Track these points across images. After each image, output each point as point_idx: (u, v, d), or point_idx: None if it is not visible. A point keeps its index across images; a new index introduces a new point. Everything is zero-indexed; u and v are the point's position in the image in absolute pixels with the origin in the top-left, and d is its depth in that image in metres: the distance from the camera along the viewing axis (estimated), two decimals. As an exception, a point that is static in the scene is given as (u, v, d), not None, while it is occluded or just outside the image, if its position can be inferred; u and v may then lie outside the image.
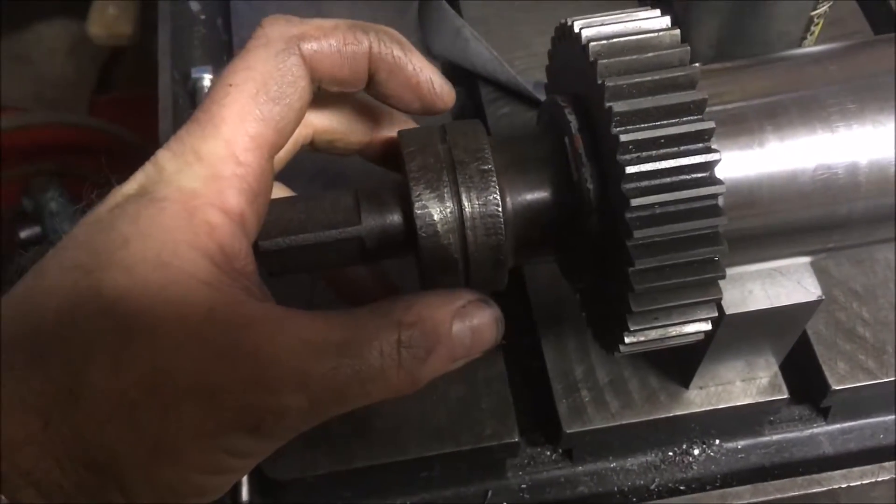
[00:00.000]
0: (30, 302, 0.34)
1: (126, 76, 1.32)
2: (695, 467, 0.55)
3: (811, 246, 0.43)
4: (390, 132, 0.45)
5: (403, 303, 0.37)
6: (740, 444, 0.55)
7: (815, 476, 0.51)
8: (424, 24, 0.68)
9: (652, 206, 0.36)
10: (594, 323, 0.45)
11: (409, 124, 0.45)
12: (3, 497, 0.31)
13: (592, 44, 0.38)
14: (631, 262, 0.36)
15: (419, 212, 0.38)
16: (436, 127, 0.41)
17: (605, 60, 0.37)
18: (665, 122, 0.36)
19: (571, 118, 0.39)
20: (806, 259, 0.45)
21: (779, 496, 0.51)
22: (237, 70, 0.37)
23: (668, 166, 0.36)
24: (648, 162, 0.36)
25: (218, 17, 0.74)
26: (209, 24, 0.74)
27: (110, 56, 1.30)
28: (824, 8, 0.55)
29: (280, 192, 0.43)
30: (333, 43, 0.38)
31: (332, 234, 0.39)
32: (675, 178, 0.36)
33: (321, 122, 0.43)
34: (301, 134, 0.42)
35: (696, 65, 0.37)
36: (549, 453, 0.55)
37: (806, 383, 0.54)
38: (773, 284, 0.45)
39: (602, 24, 0.39)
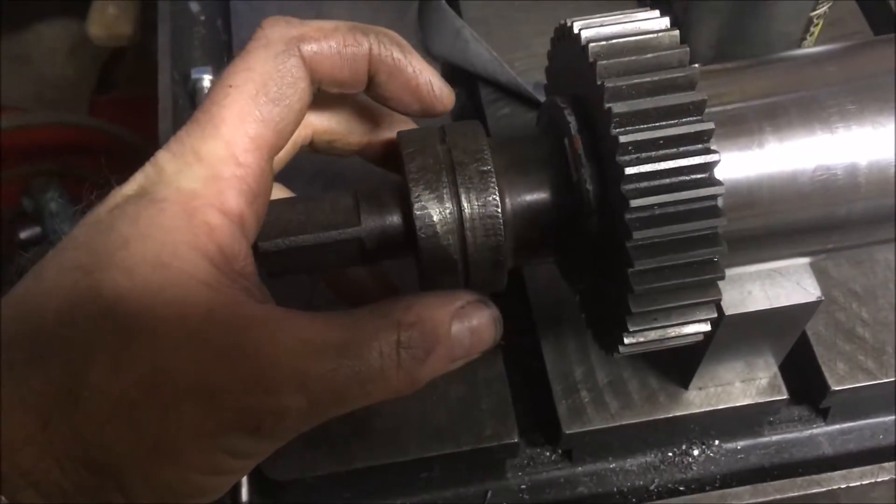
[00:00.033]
0: (30, 302, 0.34)
1: (126, 76, 1.31)
2: (694, 468, 0.55)
3: (810, 247, 0.43)
4: (390, 133, 0.45)
5: (403, 303, 0.37)
6: (740, 444, 0.55)
7: (815, 477, 0.51)
8: (424, 25, 0.68)
9: (651, 206, 0.36)
10: (594, 324, 0.45)
11: (409, 125, 0.45)
12: (2, 497, 0.31)
13: (592, 45, 0.38)
14: (630, 262, 0.36)
15: (418, 213, 0.38)
16: (435, 128, 0.41)
17: (604, 61, 0.37)
18: (664, 123, 0.36)
19: (571, 119, 0.39)
20: (805, 260, 0.45)
21: (778, 497, 0.51)
22: (237, 71, 0.37)
23: (667, 167, 0.36)
24: (648, 163, 0.36)
25: (218, 18, 0.74)
26: (209, 24, 0.74)
27: (110, 56, 1.30)
28: (824, 8, 0.55)
29: (279, 192, 0.43)
30: (333, 44, 0.39)
31: (332, 235, 0.39)
32: (674, 179, 0.36)
33: (320, 123, 0.43)
34: (300, 135, 0.42)
35: (696, 66, 0.37)
36: (548, 454, 0.55)
37: (805, 384, 0.54)
38: (772, 285, 0.45)
39: (601, 25, 0.39)
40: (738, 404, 0.52)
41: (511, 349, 0.54)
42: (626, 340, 0.39)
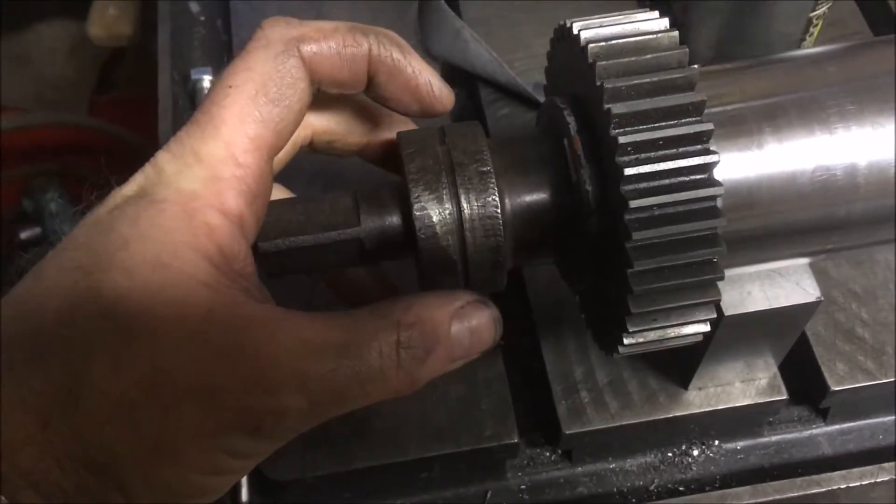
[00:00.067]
0: (30, 303, 0.34)
1: (126, 77, 1.31)
2: (694, 468, 0.55)
3: (810, 247, 0.43)
4: (389, 133, 0.45)
5: (402, 304, 0.37)
6: (739, 444, 0.55)
7: (815, 477, 0.51)
8: (424, 26, 0.68)
9: (651, 207, 0.36)
10: (593, 324, 0.45)
11: (409, 125, 0.45)
12: (2, 497, 0.31)
13: (591, 45, 0.38)
14: (630, 263, 0.36)
15: (418, 213, 0.38)
16: (435, 128, 0.41)
17: (603, 62, 0.37)
18: (664, 123, 0.36)
19: (570, 120, 0.39)
20: (805, 260, 0.45)
21: (778, 497, 0.51)
22: (237, 71, 0.37)
23: (666, 168, 0.36)
24: (647, 164, 0.36)
25: (217, 18, 0.74)
26: (209, 24, 0.74)
27: (110, 56, 1.30)
28: (823, 9, 0.55)
29: (279, 193, 0.43)
30: (333, 45, 0.39)
31: (332, 235, 0.39)
32: (673, 180, 0.36)
33: (320, 123, 0.43)
34: (300, 135, 0.42)
35: (695, 66, 0.37)
36: (548, 454, 0.55)
37: (805, 384, 0.54)
38: (771, 286, 0.45)
39: (601, 26, 0.39)
40: (737, 404, 0.52)
41: (511, 349, 0.54)
42: (625, 341, 0.39)
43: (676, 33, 0.38)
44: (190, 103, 0.66)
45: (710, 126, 0.36)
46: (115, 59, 1.31)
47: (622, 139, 0.36)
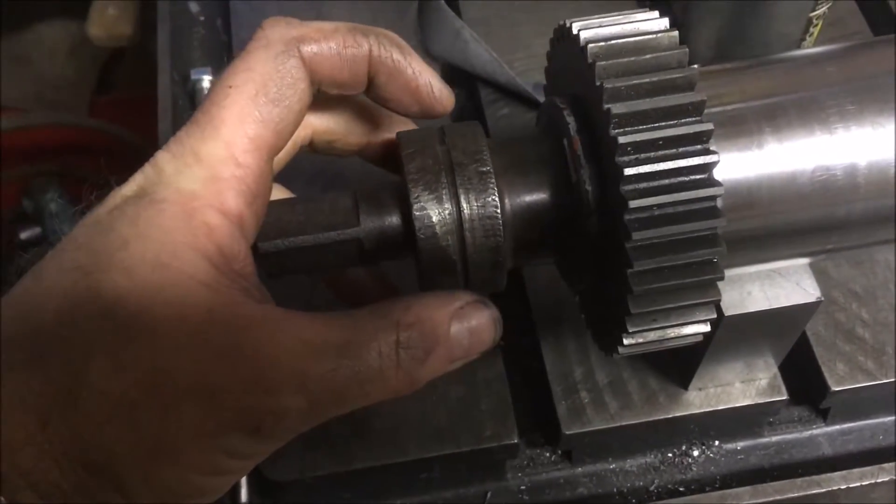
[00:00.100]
0: (29, 303, 0.34)
1: (126, 77, 1.31)
2: (694, 468, 0.55)
3: (810, 247, 0.43)
4: (389, 133, 0.45)
5: (402, 304, 0.37)
6: (739, 445, 0.55)
7: (815, 477, 0.51)
8: (424, 26, 0.68)
9: (651, 207, 0.36)
10: (593, 324, 0.45)
11: (409, 126, 0.45)
12: (2, 498, 0.31)
13: (591, 45, 0.38)
14: (630, 263, 0.36)
15: (418, 213, 0.38)
16: (435, 129, 0.41)
17: (603, 62, 0.37)
18: (664, 123, 0.36)
19: (570, 120, 0.39)
20: (805, 260, 0.45)
21: (778, 497, 0.51)
22: (237, 72, 0.37)
23: (666, 168, 0.36)
24: (647, 164, 0.36)
25: (217, 18, 0.74)
26: (208, 24, 0.74)
27: (110, 57, 1.30)
28: (823, 9, 0.55)
29: (279, 193, 0.43)
30: (333, 46, 0.39)
31: (331, 235, 0.39)
32: (673, 180, 0.36)
33: (320, 123, 0.43)
34: (300, 135, 0.42)
35: (695, 66, 0.37)
36: (548, 454, 0.55)
37: (805, 384, 0.54)
38: (771, 286, 0.45)
39: (600, 26, 0.39)
40: (737, 405, 0.52)
41: (511, 350, 0.54)
42: (625, 341, 0.39)
43: (676, 33, 0.38)
44: (190, 103, 0.66)
45: (709, 126, 0.36)
46: (115, 60, 1.31)
47: (622, 139, 0.36)
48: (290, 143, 0.41)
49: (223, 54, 0.72)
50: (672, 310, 0.38)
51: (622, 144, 0.36)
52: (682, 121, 0.36)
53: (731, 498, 0.51)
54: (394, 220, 0.40)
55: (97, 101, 1.28)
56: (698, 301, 0.38)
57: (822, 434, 0.56)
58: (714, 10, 0.55)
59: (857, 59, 0.43)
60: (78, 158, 1.10)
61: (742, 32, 0.55)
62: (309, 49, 0.38)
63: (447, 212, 0.38)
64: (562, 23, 0.41)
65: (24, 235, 1.01)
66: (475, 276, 0.40)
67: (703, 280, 0.37)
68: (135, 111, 0.94)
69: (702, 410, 0.52)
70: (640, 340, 0.39)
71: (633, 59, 0.37)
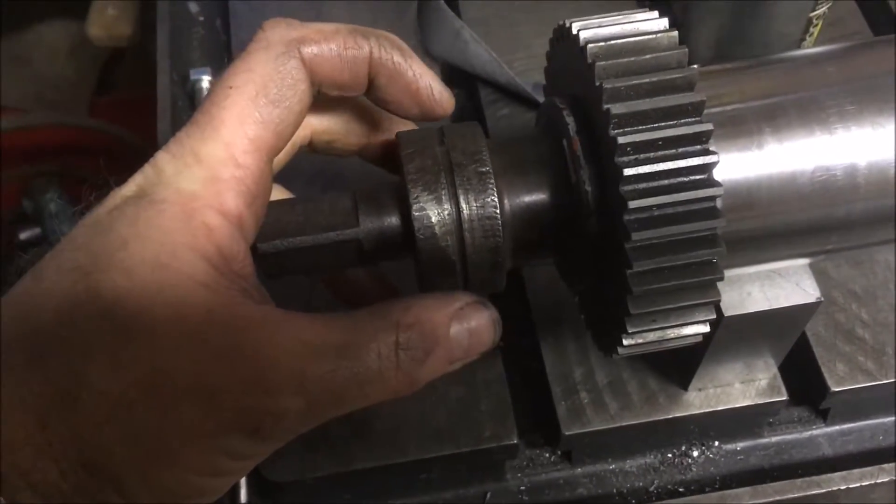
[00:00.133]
0: (29, 303, 0.34)
1: (126, 77, 1.31)
2: (694, 469, 0.55)
3: (810, 247, 0.43)
4: (389, 134, 0.45)
5: (401, 305, 0.37)
6: (739, 445, 0.55)
7: (815, 478, 0.51)
8: (423, 26, 0.68)
9: (650, 208, 0.36)
10: (593, 325, 0.45)
11: (408, 126, 0.45)
12: (2, 498, 0.31)
13: (590, 45, 0.38)
14: (629, 264, 0.36)
15: (417, 214, 0.38)
16: (434, 129, 0.41)
17: (603, 62, 0.37)
18: (663, 123, 0.36)
19: (569, 120, 0.39)
20: (805, 261, 0.45)
21: (778, 498, 0.51)
22: (237, 72, 0.37)
23: (666, 168, 0.36)
24: (646, 164, 0.36)
25: (217, 18, 0.74)
26: (208, 24, 0.74)
27: (110, 57, 1.30)
28: (823, 9, 0.55)
29: (278, 193, 0.43)
30: (334, 47, 0.39)
31: (330, 236, 0.39)
32: (673, 180, 0.36)
33: (319, 124, 0.43)
34: (299, 135, 0.42)
35: (695, 66, 0.37)
36: (548, 455, 0.55)
37: (805, 385, 0.54)
38: (771, 286, 0.45)
39: (600, 26, 0.39)
40: (737, 405, 0.52)
41: (510, 350, 0.54)
42: (624, 342, 0.39)
43: (676, 33, 0.38)
44: (189, 104, 0.66)
45: (709, 126, 0.36)
46: (115, 60, 1.31)
47: (621, 139, 0.36)
48: (289, 144, 0.41)
49: (223, 55, 0.72)
50: (671, 310, 0.38)
51: (622, 145, 0.36)
52: (682, 121, 0.36)
53: (731, 498, 0.51)
54: (393, 220, 0.40)
55: (97, 102, 1.28)
56: (698, 302, 0.38)
57: (821, 434, 0.56)
58: (714, 9, 0.55)
59: (857, 60, 0.43)
60: (78, 159, 1.10)
61: (742, 32, 0.55)
62: (309, 50, 0.38)
63: (446, 212, 0.38)
64: (561, 23, 0.41)
65: (23, 236, 1.01)
66: (474, 277, 0.40)
67: (702, 280, 0.37)
68: (135, 111, 0.94)
69: (701, 411, 0.52)
70: (640, 341, 0.39)
71: (632, 59, 0.37)
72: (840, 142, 0.39)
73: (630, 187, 0.36)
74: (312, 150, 0.45)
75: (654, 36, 0.38)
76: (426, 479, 0.53)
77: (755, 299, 0.45)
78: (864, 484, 0.51)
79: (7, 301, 0.34)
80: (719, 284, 0.38)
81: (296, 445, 0.37)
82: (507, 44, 0.66)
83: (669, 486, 0.54)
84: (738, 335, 0.47)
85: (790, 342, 0.50)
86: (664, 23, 0.39)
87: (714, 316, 0.39)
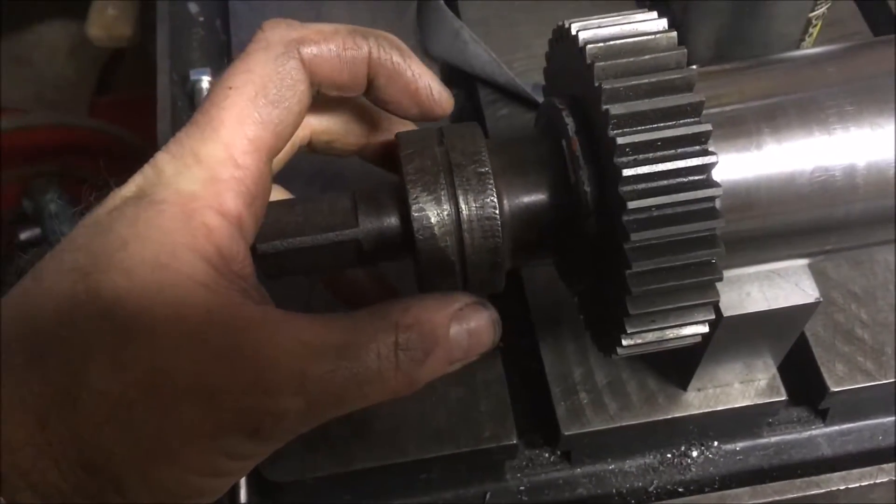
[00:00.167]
0: (29, 303, 0.34)
1: (126, 77, 1.32)
2: (693, 469, 0.55)
3: (809, 248, 0.43)
4: (388, 134, 0.45)
5: (401, 305, 0.37)
6: (739, 445, 0.55)
7: (814, 478, 0.51)
8: (423, 26, 0.68)
9: (649, 208, 0.36)
10: (592, 325, 0.45)
11: (407, 126, 0.45)
12: (2, 498, 0.31)
13: (589, 46, 0.38)
14: (628, 264, 0.36)
15: (416, 214, 0.38)
16: (433, 129, 0.41)
17: (602, 63, 0.37)
18: (662, 124, 0.36)
19: (569, 120, 0.39)
20: (804, 261, 0.45)
21: (777, 498, 0.51)
22: (236, 73, 0.37)
23: (665, 169, 0.36)
24: (645, 164, 0.36)
25: (216, 19, 0.74)
26: (208, 25, 0.74)
27: (110, 57, 1.30)
28: (823, 9, 0.55)
29: (278, 194, 0.43)
30: (333, 47, 0.39)
31: (330, 236, 0.39)
32: (672, 181, 0.36)
33: (319, 124, 0.43)
34: (298, 135, 0.42)
35: (693, 67, 0.37)
36: (547, 455, 0.55)
37: (804, 385, 0.54)
38: (770, 286, 0.45)
39: (599, 27, 0.39)
40: (736, 405, 0.52)
41: (510, 351, 0.54)
42: (624, 342, 0.39)
43: (675, 34, 0.38)
44: (189, 104, 0.66)
45: (708, 127, 0.36)
46: (115, 60, 1.31)
47: (620, 140, 0.36)
48: (288, 144, 0.41)
49: (222, 55, 0.72)
50: (670, 311, 0.38)
51: (621, 145, 0.36)
52: (681, 122, 0.36)
53: (731, 499, 0.51)
54: (392, 221, 0.40)
55: (97, 102, 1.28)
56: (697, 302, 0.38)
57: (821, 435, 0.56)
58: (713, 10, 0.55)
59: (857, 60, 0.43)
60: (78, 159, 1.10)
61: (741, 32, 0.55)
62: (309, 51, 0.38)
63: (446, 213, 0.38)
64: (561, 23, 0.41)
65: (23, 236, 1.01)
66: (474, 277, 0.40)
67: (701, 281, 0.37)
68: (135, 112, 0.94)
69: (701, 411, 0.52)
70: (639, 341, 0.39)
71: (631, 59, 0.37)
72: (839, 142, 0.39)
73: (629, 188, 0.36)
74: (312, 150, 0.45)
75: (653, 36, 0.38)
76: (426, 479, 0.53)
77: (754, 300, 0.45)
78: (863, 484, 0.51)
79: (7, 301, 0.34)
80: (718, 285, 0.38)
81: (296, 446, 0.37)
82: (506, 44, 0.66)
83: (669, 487, 0.54)
84: (738, 335, 0.47)
85: (789, 342, 0.50)
86: (663, 23, 0.39)
87: (713, 316, 0.39)
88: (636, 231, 0.36)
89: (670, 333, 0.39)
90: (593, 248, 0.40)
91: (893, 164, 0.40)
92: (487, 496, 0.53)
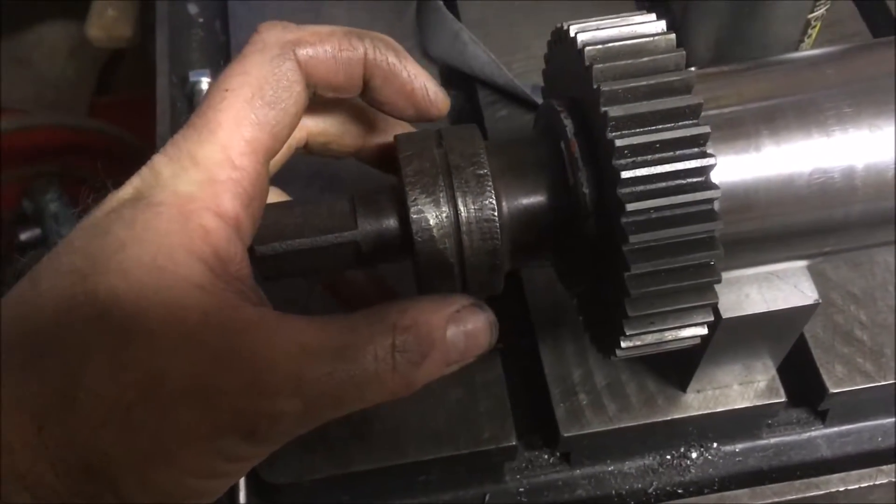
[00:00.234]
0: (27, 305, 0.34)
1: (126, 78, 1.32)
2: (692, 471, 0.55)
3: (808, 249, 0.43)
4: (385, 135, 0.45)
5: (398, 307, 0.37)
6: (738, 447, 0.55)
7: (813, 479, 0.51)
8: (422, 27, 0.68)
9: (648, 210, 0.36)
10: (591, 326, 0.45)
11: (405, 127, 0.45)
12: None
13: (588, 48, 0.38)
14: (627, 266, 0.36)
15: (415, 216, 0.38)
16: (432, 131, 0.41)
17: (600, 65, 0.37)
18: (661, 126, 0.36)
19: (567, 122, 0.39)
20: (803, 262, 0.45)
21: (777, 500, 0.51)
22: (233, 75, 0.37)
23: (663, 171, 0.36)
24: (644, 167, 0.36)
25: (216, 20, 0.74)
26: (207, 26, 0.74)
27: (110, 58, 1.30)
28: (822, 10, 0.55)
29: (275, 196, 0.43)
30: (329, 49, 0.39)
31: (328, 238, 0.39)
32: (670, 183, 0.36)
33: (315, 125, 0.43)
34: (295, 137, 0.42)
35: (692, 69, 0.37)
36: (546, 457, 0.55)
37: (804, 386, 0.54)
38: (769, 288, 0.45)
39: (598, 29, 0.39)
40: (736, 407, 0.52)
41: (509, 352, 0.54)
42: (623, 344, 0.39)
43: (673, 36, 0.38)
44: (188, 105, 0.66)
45: (706, 129, 0.36)
46: (115, 61, 1.31)
47: (619, 142, 0.36)
48: (285, 146, 0.41)
49: (221, 56, 0.72)
50: (669, 313, 0.38)
51: (619, 147, 0.36)
52: (679, 124, 0.36)
53: (730, 500, 0.51)
54: (391, 223, 0.40)
55: (97, 103, 1.28)
56: (696, 304, 0.38)
57: (820, 436, 0.56)
58: (713, 11, 0.55)
59: (856, 62, 0.43)
60: (78, 159, 1.10)
61: (741, 34, 0.55)
62: (305, 52, 0.38)
63: (444, 215, 0.38)
64: (559, 25, 0.41)
65: (23, 237, 1.01)
66: (472, 279, 0.40)
67: (700, 283, 0.37)
68: (134, 112, 0.94)
69: (700, 412, 0.52)
70: (638, 343, 0.39)
71: (630, 61, 0.37)
72: (838, 144, 0.39)
73: (628, 190, 0.36)
74: (308, 151, 0.45)
75: (651, 38, 0.38)
76: (425, 480, 0.53)
77: (753, 301, 0.45)
78: (862, 485, 0.51)
79: (5, 303, 0.34)
80: (717, 286, 0.38)
81: (294, 447, 0.37)
82: (505, 45, 0.66)
83: (668, 488, 0.54)
84: (737, 337, 0.47)
85: (788, 344, 0.50)
86: (662, 25, 0.39)
87: (712, 318, 0.39)
88: (635, 233, 0.35)
89: (669, 335, 0.39)
90: (592, 249, 0.40)
91: (892, 166, 0.40)
92: (487, 498, 0.53)
